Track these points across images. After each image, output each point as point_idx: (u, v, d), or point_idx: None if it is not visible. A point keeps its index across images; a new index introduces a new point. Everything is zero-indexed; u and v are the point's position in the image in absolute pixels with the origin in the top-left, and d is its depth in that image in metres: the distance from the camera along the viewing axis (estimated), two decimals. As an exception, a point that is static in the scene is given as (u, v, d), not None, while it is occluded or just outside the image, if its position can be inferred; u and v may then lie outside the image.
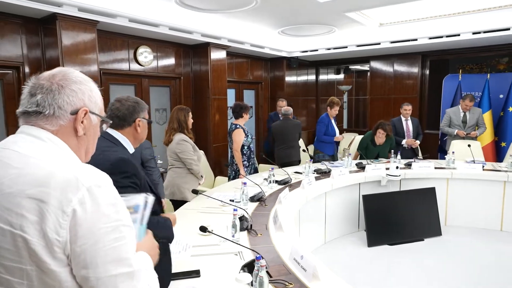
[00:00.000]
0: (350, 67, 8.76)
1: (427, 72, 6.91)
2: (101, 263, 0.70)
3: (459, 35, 5.34)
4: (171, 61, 5.34)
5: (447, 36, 5.45)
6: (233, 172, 4.10)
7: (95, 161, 0.89)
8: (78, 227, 0.69)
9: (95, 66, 3.93)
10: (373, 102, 7.31)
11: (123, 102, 1.67)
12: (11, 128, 3.74)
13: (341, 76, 9.09)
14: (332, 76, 8.92)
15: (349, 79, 9.40)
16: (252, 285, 1.49)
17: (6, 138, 0.84)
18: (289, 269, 1.75)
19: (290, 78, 7.55)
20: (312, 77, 8.40)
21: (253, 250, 1.85)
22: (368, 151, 4.92)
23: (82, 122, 0.85)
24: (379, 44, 6.11)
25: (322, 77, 8.70)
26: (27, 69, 3.75)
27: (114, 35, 4.48)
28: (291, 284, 1.62)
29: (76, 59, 3.74)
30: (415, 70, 6.80)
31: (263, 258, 1.52)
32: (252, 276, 1.49)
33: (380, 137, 4.79)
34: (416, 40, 5.73)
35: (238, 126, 3.96)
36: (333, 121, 5.03)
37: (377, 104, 7.25)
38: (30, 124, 0.82)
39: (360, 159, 4.97)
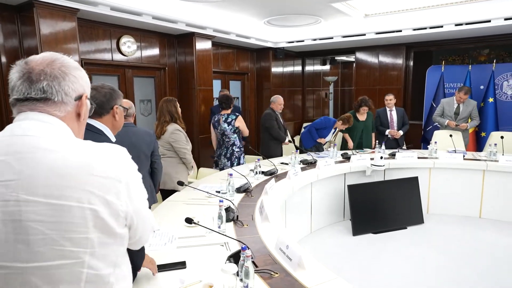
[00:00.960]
0: (336, 58, 8.80)
1: (411, 63, 7.00)
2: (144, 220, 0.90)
3: (442, 26, 5.41)
4: (155, 51, 5.24)
5: (430, 28, 5.52)
6: (229, 162, 4.16)
7: None
8: (131, 193, 0.83)
9: (76, 56, 3.82)
10: (358, 93, 7.37)
11: (98, 89, 1.64)
12: (-11, 120, 3.63)
13: (327, 67, 9.13)
14: (318, 67, 8.94)
15: (335, 70, 9.45)
16: (238, 275, 1.50)
17: (7, 127, 0.82)
18: (275, 259, 1.77)
19: (276, 69, 7.54)
20: (298, 68, 8.40)
21: (239, 241, 1.86)
22: (353, 127, 5.06)
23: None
24: (364, 35, 6.15)
25: (309, 68, 8.71)
26: (3, 59, 3.62)
27: (95, 24, 4.36)
28: (276, 273, 1.63)
29: (55, 48, 3.62)
30: (399, 61, 6.88)
31: (248, 248, 1.52)
32: (238, 266, 1.49)
33: (363, 113, 5.08)
34: (400, 31, 5.79)
35: (237, 114, 4.17)
36: (332, 130, 5.04)
37: (362, 95, 7.30)
38: (38, 110, 0.82)
39: (344, 140, 5.21)
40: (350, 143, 5.10)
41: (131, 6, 4.21)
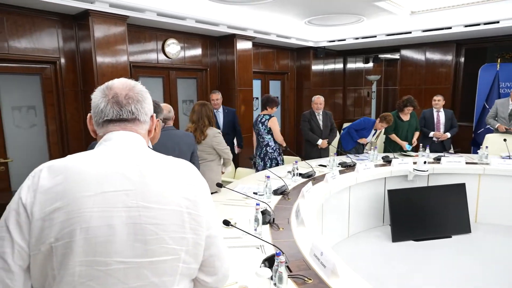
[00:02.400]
0: (379, 56, 8.50)
1: (462, 61, 6.59)
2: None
3: (498, 22, 5.04)
4: (197, 52, 5.42)
5: (484, 24, 5.16)
6: (262, 163, 4.22)
7: None
8: (207, 201, 0.97)
9: (125, 58, 4.07)
10: (403, 92, 7.07)
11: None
12: (50, 120, 3.97)
13: (370, 65, 8.85)
14: (361, 65, 8.69)
15: (378, 68, 9.13)
16: (272, 279, 1.54)
17: (106, 144, 0.93)
18: (309, 265, 1.79)
19: (316, 68, 7.45)
20: (339, 66, 8.25)
21: (274, 245, 1.90)
22: (398, 127, 4.92)
23: None
24: (410, 33, 5.89)
25: (350, 66, 8.51)
26: (63, 60, 3.94)
27: (143, 29, 4.60)
28: (310, 279, 1.66)
29: (107, 52, 3.89)
30: (448, 59, 6.51)
31: (283, 253, 1.56)
32: (272, 271, 1.54)
33: (407, 113, 4.93)
34: (450, 28, 5.47)
35: (272, 115, 4.24)
36: (373, 132, 4.93)
37: (407, 94, 6.99)
38: (128, 129, 0.96)
39: (387, 142, 5.03)
40: (401, 142, 4.90)
41: (176, 11, 4.39)
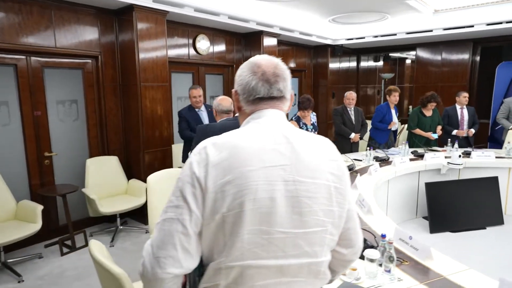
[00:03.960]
0: (390, 54, 8.63)
1: (478, 59, 6.74)
2: None
3: (520, 21, 5.18)
4: (225, 49, 5.47)
5: (507, 22, 5.30)
6: None
7: None
8: (347, 176, 1.01)
9: (164, 53, 4.11)
10: (418, 90, 7.21)
11: None
12: (91, 114, 3.99)
13: (380, 63, 8.98)
14: (372, 64, 8.81)
15: (386, 67, 9.27)
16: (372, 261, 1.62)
17: (257, 120, 0.97)
18: (397, 249, 1.87)
19: (333, 65, 7.55)
20: (353, 64, 8.35)
21: (364, 229, 1.97)
22: (421, 123, 5.01)
23: None
24: (431, 31, 6.00)
25: (363, 64, 8.63)
26: (103, 58, 3.96)
27: (176, 25, 4.63)
28: (406, 261, 1.74)
29: (149, 47, 3.93)
30: (465, 57, 6.64)
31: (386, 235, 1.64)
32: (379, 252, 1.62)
33: (430, 109, 4.99)
34: (472, 26, 5.60)
35: (293, 118, 4.35)
36: (393, 111, 5.01)
37: (423, 92, 7.13)
38: (275, 107, 0.99)
39: (409, 137, 5.10)
40: (426, 134, 5.00)
41: (211, 7, 4.44)
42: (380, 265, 1.62)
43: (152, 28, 3.95)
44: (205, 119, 4.04)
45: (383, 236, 1.63)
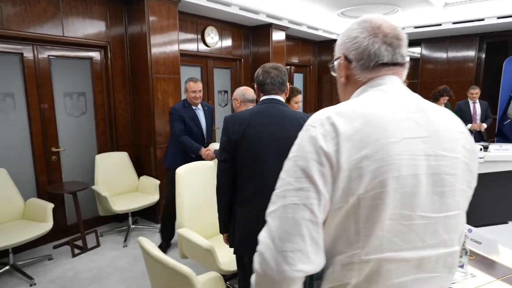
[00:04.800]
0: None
1: (483, 55, 6.72)
2: None
3: (531, 14, 5.15)
4: (233, 42, 5.31)
5: (518, 16, 5.27)
6: None
7: None
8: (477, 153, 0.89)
9: (176, 44, 3.94)
10: (423, 86, 7.16)
11: (279, 69, 1.75)
12: (99, 108, 3.79)
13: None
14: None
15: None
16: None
17: (385, 87, 0.82)
18: (456, 243, 1.75)
19: (337, 62, 7.45)
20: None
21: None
22: None
23: None
24: (440, 25, 5.95)
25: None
26: (112, 48, 3.76)
27: (185, 16, 4.45)
28: (472, 256, 1.62)
29: (160, 37, 3.74)
30: (471, 52, 6.62)
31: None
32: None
33: (442, 103, 4.86)
34: (483, 20, 5.55)
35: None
36: None
37: (428, 88, 7.11)
38: (396, 75, 0.84)
39: None
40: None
41: (222, -4, 4.28)
42: (450, 260, 1.49)
43: (164, 17, 3.76)
44: (202, 120, 3.33)
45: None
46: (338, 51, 0.89)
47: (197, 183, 2.46)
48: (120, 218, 3.95)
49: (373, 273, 0.73)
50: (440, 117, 0.80)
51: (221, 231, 1.82)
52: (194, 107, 3.28)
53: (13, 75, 3.16)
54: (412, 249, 0.74)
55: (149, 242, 1.37)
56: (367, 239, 0.71)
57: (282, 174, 0.75)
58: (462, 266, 1.46)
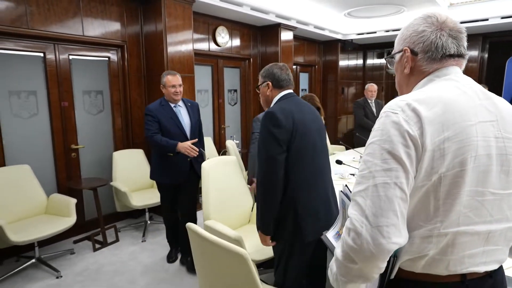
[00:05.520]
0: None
1: (486, 54, 6.84)
2: None
3: (535, 14, 5.26)
4: (242, 42, 5.39)
5: (522, 16, 5.38)
6: None
7: None
8: None
9: (190, 43, 4.01)
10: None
11: (287, 67, 1.91)
12: (116, 106, 3.86)
13: (383, 60, 9.05)
14: (376, 61, 8.86)
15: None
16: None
17: (449, 77, 0.90)
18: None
19: (342, 61, 7.55)
20: (360, 61, 8.37)
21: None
22: None
23: None
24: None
25: (368, 61, 8.67)
26: (128, 48, 3.84)
27: (197, 16, 4.53)
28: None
29: (176, 36, 3.82)
30: (474, 52, 6.72)
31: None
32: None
33: None
34: (487, 20, 5.66)
35: None
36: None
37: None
38: (459, 66, 0.93)
39: None
40: None
41: (234, -3, 4.37)
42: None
43: (180, 17, 3.84)
44: (184, 118, 2.88)
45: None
46: (401, 44, 0.97)
47: (221, 177, 2.54)
48: (136, 215, 4.03)
49: (448, 245, 0.82)
50: (503, 103, 0.90)
51: (268, 232, 1.72)
52: (173, 105, 2.86)
53: (36, 74, 3.23)
54: (483, 223, 0.83)
55: (197, 226, 1.45)
56: (447, 214, 0.80)
57: (367, 157, 0.82)
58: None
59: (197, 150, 2.67)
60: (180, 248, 3.10)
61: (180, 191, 2.93)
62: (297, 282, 1.83)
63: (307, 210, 1.69)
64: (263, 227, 1.72)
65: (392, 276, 0.88)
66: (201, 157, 2.85)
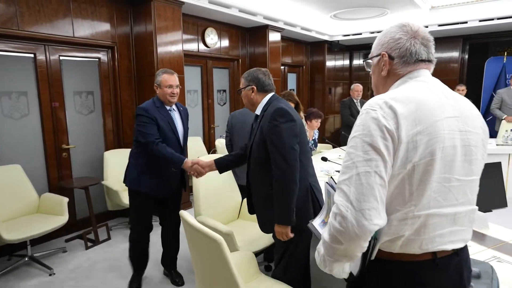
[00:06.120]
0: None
1: (466, 56, 7.09)
2: None
3: (511, 17, 5.50)
4: (231, 43, 5.48)
5: (498, 19, 5.62)
6: None
7: None
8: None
9: (180, 44, 4.09)
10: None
11: (269, 72, 2.09)
12: (106, 106, 3.91)
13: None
14: (362, 61, 9.07)
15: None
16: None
17: (419, 79, 1.03)
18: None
19: (329, 62, 7.71)
20: (346, 61, 8.56)
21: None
22: None
23: None
24: (427, 27, 6.26)
25: (355, 62, 8.86)
26: (119, 49, 3.89)
27: (187, 17, 4.61)
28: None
29: (166, 38, 3.90)
30: (455, 53, 6.97)
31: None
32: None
33: None
34: (466, 22, 5.89)
35: None
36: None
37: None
38: (428, 69, 1.07)
39: None
40: None
41: (223, -1, 4.46)
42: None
43: (169, 18, 3.92)
44: (178, 124, 2.57)
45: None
46: (379, 49, 1.09)
47: (210, 175, 2.63)
48: (127, 213, 4.08)
49: (421, 226, 0.94)
50: (464, 102, 1.04)
51: (291, 222, 1.76)
52: (168, 107, 2.51)
53: (26, 74, 3.26)
54: (450, 206, 0.96)
55: (187, 213, 1.56)
56: (420, 198, 0.92)
57: (350, 149, 0.93)
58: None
59: (203, 174, 2.31)
60: (162, 261, 2.84)
61: (166, 205, 2.65)
62: (297, 276, 1.95)
63: (320, 194, 1.91)
64: (288, 216, 1.74)
65: (373, 257, 0.99)
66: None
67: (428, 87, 1.01)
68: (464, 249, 1.05)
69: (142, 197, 2.51)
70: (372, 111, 0.92)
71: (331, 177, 1.22)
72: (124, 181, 2.57)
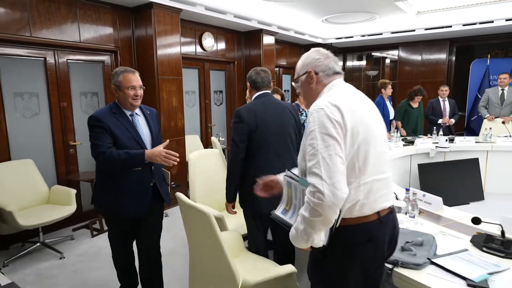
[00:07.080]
0: (372, 54, 9.24)
1: (454, 58, 7.40)
2: None
3: (492, 22, 5.81)
4: (227, 46, 5.78)
5: (480, 23, 5.93)
6: None
7: None
8: None
9: (178, 48, 4.38)
10: (401, 86, 7.79)
11: (266, 71, 2.34)
12: (110, 105, 4.20)
13: (363, 62, 9.57)
14: (356, 63, 9.38)
15: (368, 66, 9.88)
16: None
17: (343, 86, 1.36)
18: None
19: (322, 63, 8.01)
20: (340, 63, 8.85)
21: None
22: (407, 114, 5.53)
23: None
24: (414, 31, 6.57)
25: (348, 63, 9.17)
26: (121, 52, 4.19)
27: (185, 23, 4.91)
28: (423, 213, 2.15)
29: (165, 42, 4.19)
30: (443, 56, 7.28)
31: (408, 190, 2.04)
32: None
33: (416, 101, 5.50)
34: (450, 27, 6.20)
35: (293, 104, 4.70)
36: (388, 102, 5.47)
37: (406, 88, 7.74)
38: (341, 78, 1.42)
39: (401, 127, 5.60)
40: (403, 131, 5.52)
41: (218, 5, 4.75)
42: (405, 213, 2.02)
43: (168, 24, 4.22)
44: (144, 130, 2.21)
45: (407, 189, 2.03)
46: (304, 69, 1.41)
47: (205, 166, 2.93)
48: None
49: (369, 191, 1.24)
50: (367, 98, 1.38)
51: (231, 199, 2.27)
52: (129, 113, 2.16)
53: (37, 77, 3.56)
54: (381, 173, 1.27)
55: (182, 195, 1.86)
56: (365, 169, 1.22)
57: (311, 141, 1.20)
58: (413, 217, 1.98)
59: (176, 155, 2.01)
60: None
61: (141, 226, 2.27)
62: (260, 246, 2.30)
63: None
64: (228, 196, 2.27)
65: (337, 225, 1.25)
66: (164, 181, 2.32)
67: (349, 90, 1.35)
68: (393, 207, 1.38)
69: (114, 220, 2.25)
70: (321, 110, 1.21)
71: (290, 170, 1.35)
72: (92, 202, 2.28)
